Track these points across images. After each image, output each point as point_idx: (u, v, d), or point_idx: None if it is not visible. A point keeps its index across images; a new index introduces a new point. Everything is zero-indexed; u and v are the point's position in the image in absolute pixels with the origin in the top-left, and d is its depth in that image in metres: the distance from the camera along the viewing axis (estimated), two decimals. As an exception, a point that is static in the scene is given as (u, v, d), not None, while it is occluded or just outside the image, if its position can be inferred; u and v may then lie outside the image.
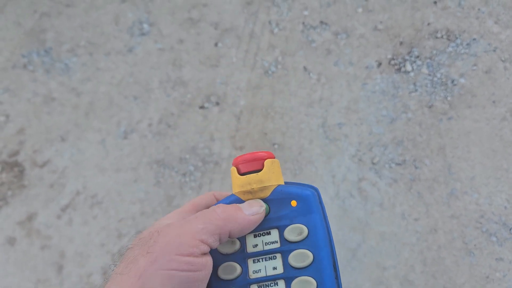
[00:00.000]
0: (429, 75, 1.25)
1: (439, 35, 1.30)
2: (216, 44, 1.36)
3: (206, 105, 1.29)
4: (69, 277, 1.15)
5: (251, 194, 0.40)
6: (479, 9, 1.31)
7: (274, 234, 0.40)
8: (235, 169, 0.41)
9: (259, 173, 0.40)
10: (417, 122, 1.21)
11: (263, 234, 0.41)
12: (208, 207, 0.45)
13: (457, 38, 1.29)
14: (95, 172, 1.25)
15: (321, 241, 0.39)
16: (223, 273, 0.40)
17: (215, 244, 0.37)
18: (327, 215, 0.42)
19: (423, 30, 1.31)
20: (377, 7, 1.35)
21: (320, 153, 1.21)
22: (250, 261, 0.40)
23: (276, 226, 0.40)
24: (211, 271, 0.37)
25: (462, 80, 1.23)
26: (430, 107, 1.22)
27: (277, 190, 0.40)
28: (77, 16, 1.44)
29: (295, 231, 0.39)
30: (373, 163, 1.18)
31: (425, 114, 1.21)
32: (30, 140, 1.30)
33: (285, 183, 0.42)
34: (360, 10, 1.35)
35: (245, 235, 0.41)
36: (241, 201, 0.41)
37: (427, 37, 1.30)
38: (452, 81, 1.23)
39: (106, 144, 1.28)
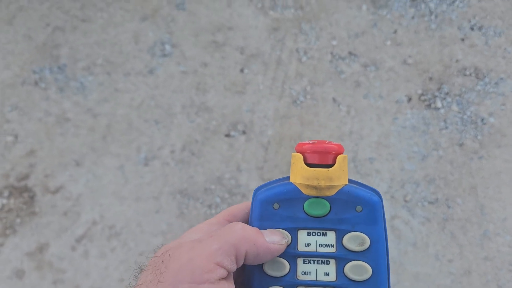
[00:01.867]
0: (459, 112, 1.25)
1: (467, 72, 1.30)
2: (242, 70, 1.32)
3: (232, 133, 1.24)
4: (85, 315, 1.07)
5: (316, 190, 0.36)
6: (505, 49, 1.33)
7: (331, 237, 0.37)
8: (301, 156, 0.36)
9: (330, 169, 0.36)
10: (448, 160, 1.20)
11: (318, 234, 0.37)
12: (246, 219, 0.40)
13: (485, 76, 1.29)
14: (113, 201, 1.18)
15: (381, 256, 0.36)
16: (269, 269, 0.37)
17: (233, 267, 0.33)
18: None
19: (451, 66, 1.31)
20: (405, 41, 1.34)
21: (351, 188, 1.18)
22: (300, 260, 0.37)
23: (334, 228, 0.37)
24: None
25: (491, 119, 1.24)
26: (460, 145, 1.21)
27: (344, 190, 0.36)
28: (94, 32, 1.37)
29: (357, 240, 0.36)
30: (406, 201, 1.16)
31: (456, 152, 1.21)
32: (41, 163, 1.21)
33: (349, 181, 0.38)
34: (388, 42, 1.34)
35: (297, 230, 0.37)
36: (301, 194, 0.36)
37: (456, 74, 1.30)
38: (482, 120, 1.24)
39: (125, 170, 1.20)
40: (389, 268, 0.37)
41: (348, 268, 0.36)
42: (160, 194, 1.18)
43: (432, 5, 1.39)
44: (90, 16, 1.39)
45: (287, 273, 0.37)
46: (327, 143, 0.37)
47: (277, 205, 0.37)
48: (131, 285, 0.33)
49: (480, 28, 1.36)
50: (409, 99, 1.27)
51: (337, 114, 1.26)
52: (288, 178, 0.38)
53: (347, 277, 0.36)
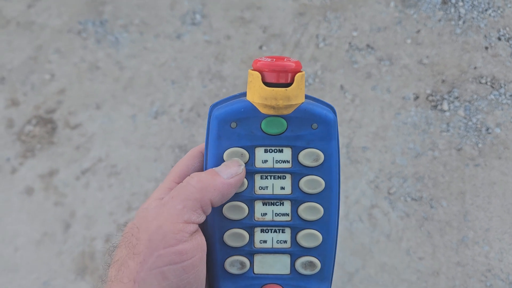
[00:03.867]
0: (465, 118, 1.23)
1: (483, 80, 1.27)
2: (260, 47, 1.39)
3: (238, 102, 1.31)
4: (74, 236, 1.19)
5: (274, 109, 0.36)
6: (530, 63, 1.28)
7: (287, 153, 0.38)
8: (259, 75, 0.36)
9: (288, 88, 0.35)
10: (443, 162, 1.19)
11: (275, 151, 0.38)
12: (196, 170, 0.40)
13: (501, 87, 1.26)
14: (120, 144, 1.30)
15: (334, 170, 0.38)
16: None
17: (202, 219, 0.34)
18: None
19: (468, 72, 1.29)
20: (426, 41, 1.34)
21: (339, 172, 1.21)
22: (257, 176, 0.38)
23: (290, 145, 0.37)
24: (205, 249, 0.35)
25: (497, 130, 1.21)
26: (459, 150, 1.20)
27: (301, 108, 0.37)
28: (137, -4, 1.51)
29: (312, 156, 0.37)
30: (389, 193, 1.17)
31: (452, 156, 1.19)
32: (68, 102, 1.36)
33: (306, 96, 0.38)
34: (409, 41, 1.35)
35: (254, 148, 0.38)
36: (258, 112, 0.37)
37: (471, 80, 1.28)
38: (487, 129, 1.21)
39: (137, 119, 1.32)
40: (340, 184, 0.39)
41: (303, 182, 0.38)
42: (161, 146, 1.28)
43: (462, 10, 1.37)
44: (137, -19, 1.53)
45: (245, 189, 0.38)
46: (285, 61, 0.36)
47: (235, 124, 0.37)
48: (107, 263, 0.34)
49: (508, 39, 1.32)
50: (416, 97, 1.27)
51: (341, 101, 1.29)
52: (244, 94, 0.38)
53: (302, 191, 0.38)
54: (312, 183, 0.38)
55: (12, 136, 1.33)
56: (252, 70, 0.36)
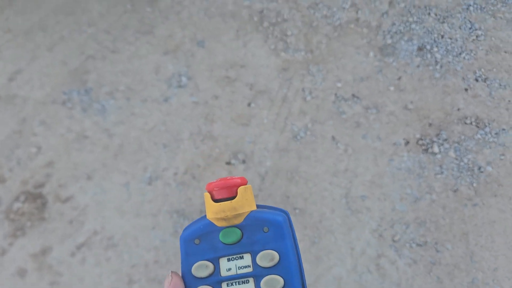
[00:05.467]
0: (456, 159, 1.26)
1: (468, 121, 1.32)
2: (249, 104, 1.40)
3: (232, 161, 1.31)
4: (72, 318, 1.13)
5: (225, 221, 0.41)
6: (509, 101, 1.34)
7: (247, 259, 0.42)
8: (209, 195, 0.42)
9: (232, 200, 0.41)
10: (441, 204, 1.20)
11: (237, 258, 0.42)
12: None
13: (486, 126, 1.31)
14: (115, 214, 1.26)
15: (292, 267, 0.41)
16: None
17: None
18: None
19: (452, 114, 1.33)
20: (408, 87, 1.39)
21: (341, 224, 1.20)
22: (224, 285, 0.42)
23: (249, 251, 0.42)
24: None
25: (489, 168, 1.24)
26: (455, 191, 1.22)
27: (250, 216, 0.42)
28: (120, 62, 1.51)
29: (267, 257, 0.41)
30: (394, 241, 1.17)
31: (450, 198, 1.21)
32: (57, 174, 1.33)
33: (257, 206, 0.43)
34: (392, 88, 1.39)
35: (218, 259, 0.42)
36: (215, 226, 0.42)
37: (456, 122, 1.32)
38: (479, 168, 1.24)
39: (130, 187, 1.29)
40: (304, 275, 0.42)
41: (263, 282, 0.41)
42: (158, 212, 1.25)
43: (438, 55, 1.44)
44: (119, 48, 1.54)
45: None
46: (228, 179, 0.42)
47: (198, 240, 0.42)
48: None
49: (485, 80, 1.38)
50: (407, 142, 1.30)
51: (334, 152, 1.30)
52: (205, 216, 0.44)
53: None
54: (271, 282, 0.41)
55: (0, 215, 1.27)
56: (206, 192, 0.42)
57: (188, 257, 0.42)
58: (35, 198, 1.30)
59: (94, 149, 1.36)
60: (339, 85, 1.42)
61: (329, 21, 1.54)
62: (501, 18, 1.50)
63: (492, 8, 1.52)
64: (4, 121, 1.42)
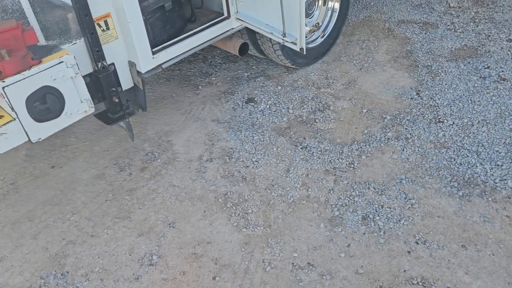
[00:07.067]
0: (408, 319, 1.33)
1: (415, 281, 1.43)
2: (214, 278, 1.51)
3: (197, 335, 1.35)
4: None
5: None
6: (449, 260, 1.48)
7: None
8: None
9: None
10: None
11: None
12: None
13: (432, 285, 1.42)
14: None
15: None
16: None
17: None
18: None
19: (400, 276, 1.45)
20: (357, 253, 1.53)
21: None
22: None
23: None
24: None
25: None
26: None
27: None
28: (98, 245, 1.66)
29: None
30: None
31: None
32: None
33: None
34: (342, 255, 1.54)
35: None
36: None
37: (405, 283, 1.43)
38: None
39: None
40: None
41: None
42: None
43: (380, 223, 1.63)
44: (98, 232, 1.71)
45: None
46: None
47: None
48: None
49: (424, 242, 1.55)
50: (361, 306, 1.38)
51: (294, 319, 1.37)
52: None
53: None
54: None
55: None
56: None
57: None
58: None
59: (64, 332, 1.40)
60: (295, 255, 1.56)
61: (284, 199, 1.77)
62: (429, 188, 1.74)
63: (421, 180, 1.78)
64: (-20, 308, 1.49)
